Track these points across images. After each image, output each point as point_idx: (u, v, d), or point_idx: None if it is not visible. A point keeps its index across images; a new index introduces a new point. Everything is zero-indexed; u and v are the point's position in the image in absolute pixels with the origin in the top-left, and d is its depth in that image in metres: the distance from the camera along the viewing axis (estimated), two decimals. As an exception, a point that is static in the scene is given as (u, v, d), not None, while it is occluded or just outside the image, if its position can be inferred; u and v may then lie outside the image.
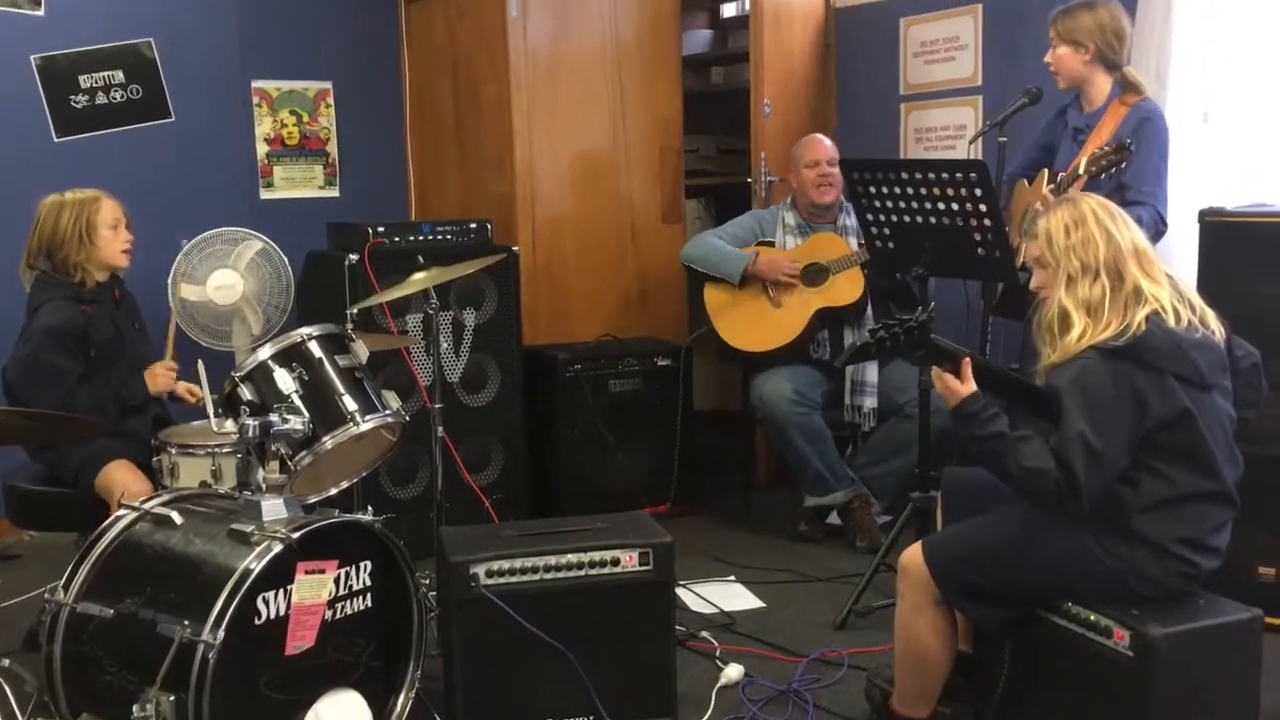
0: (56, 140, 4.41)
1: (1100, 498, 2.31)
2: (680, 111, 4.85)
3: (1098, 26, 3.44)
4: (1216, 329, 2.43)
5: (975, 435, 2.38)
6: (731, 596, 3.66)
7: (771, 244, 4.29)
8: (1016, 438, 2.35)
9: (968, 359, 2.42)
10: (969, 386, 2.40)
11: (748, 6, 4.78)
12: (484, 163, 4.70)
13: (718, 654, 3.23)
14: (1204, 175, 3.81)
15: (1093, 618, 2.36)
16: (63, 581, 2.53)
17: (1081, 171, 3.23)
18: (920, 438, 3.54)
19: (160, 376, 3.39)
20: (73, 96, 4.44)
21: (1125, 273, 2.39)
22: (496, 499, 4.07)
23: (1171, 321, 2.36)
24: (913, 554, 2.56)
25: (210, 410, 2.82)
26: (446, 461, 3.36)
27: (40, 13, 4.35)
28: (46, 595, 2.56)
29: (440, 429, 3.29)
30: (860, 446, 4.27)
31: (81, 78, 4.44)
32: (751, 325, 4.20)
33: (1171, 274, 2.47)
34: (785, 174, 4.46)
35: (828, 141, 4.31)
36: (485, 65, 4.60)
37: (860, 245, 4.05)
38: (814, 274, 4.16)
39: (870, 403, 4.13)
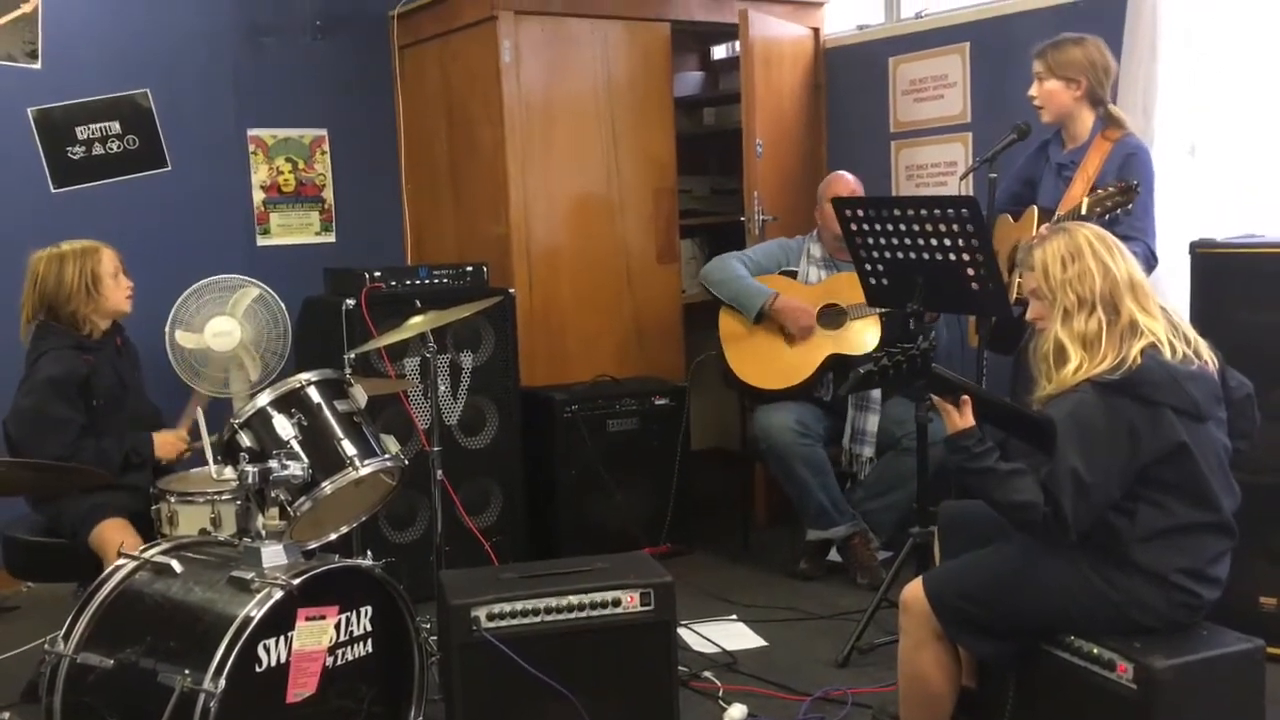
0: (54, 191, 4.44)
1: (1088, 529, 2.32)
2: (673, 152, 4.90)
3: (1089, 62, 3.48)
4: (1210, 360, 2.45)
5: (966, 468, 2.41)
6: (733, 635, 3.65)
7: (794, 273, 4.31)
8: (1006, 471, 2.36)
9: (968, 397, 2.43)
10: (967, 421, 2.42)
11: (738, 48, 4.83)
12: (479, 206, 4.74)
13: (720, 694, 3.22)
14: (1192, 207, 3.84)
15: (1095, 650, 2.36)
16: (62, 632, 2.52)
17: (1084, 211, 3.25)
18: (919, 473, 3.55)
19: (171, 446, 3.39)
20: (70, 148, 4.47)
21: (1121, 306, 2.40)
22: (496, 541, 4.06)
23: (1167, 354, 2.37)
24: (914, 589, 2.56)
25: (210, 457, 2.82)
26: (445, 504, 3.36)
27: (37, 66, 4.40)
28: (46, 646, 2.55)
29: (439, 472, 3.30)
30: (858, 481, 4.27)
31: (78, 129, 4.48)
32: (762, 360, 4.21)
33: (1165, 306, 2.49)
34: (797, 212, 4.47)
35: (852, 178, 4.34)
36: (479, 109, 4.65)
37: None
38: (831, 316, 4.17)
39: (868, 452, 4.15)
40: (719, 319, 4.32)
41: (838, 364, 4.15)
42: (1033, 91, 3.56)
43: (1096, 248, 2.45)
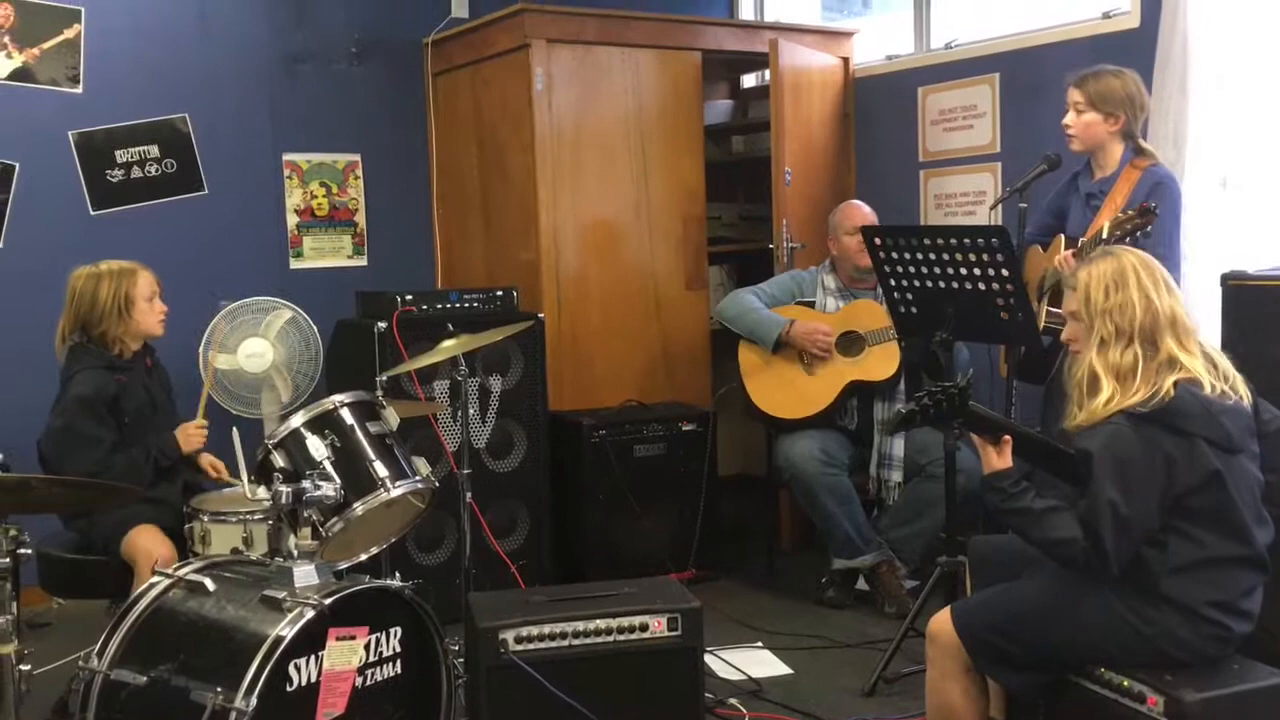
0: (93, 213, 4.51)
1: (1128, 562, 2.31)
2: (702, 180, 4.92)
3: (1127, 96, 3.48)
4: (1245, 395, 2.43)
5: (1001, 509, 2.41)
6: (759, 663, 3.64)
7: (811, 304, 4.32)
8: (1043, 510, 2.36)
9: (1008, 437, 2.43)
10: (1005, 462, 2.42)
11: (768, 77, 4.86)
12: (509, 231, 4.78)
13: (746, 721, 3.22)
14: (1223, 240, 3.83)
15: (1126, 683, 2.34)
16: (96, 648, 2.55)
17: (1105, 235, 3.26)
18: (946, 500, 3.54)
19: (193, 435, 3.42)
20: (109, 170, 4.55)
21: (1160, 342, 2.38)
22: (522, 564, 4.08)
23: (1206, 390, 2.35)
24: (941, 620, 2.55)
25: (244, 476, 2.85)
26: (473, 527, 3.38)
27: (79, 90, 4.48)
28: (80, 662, 2.58)
29: (469, 495, 3.32)
30: (884, 509, 4.26)
31: (118, 152, 4.56)
32: (782, 390, 4.22)
33: (1203, 342, 2.47)
34: (825, 240, 4.49)
35: (866, 208, 4.34)
36: (511, 136, 4.69)
37: None
38: (849, 342, 4.18)
39: (896, 476, 4.14)
40: (738, 352, 4.33)
41: (858, 391, 4.15)
42: (1068, 121, 3.55)
43: (1142, 278, 2.41)
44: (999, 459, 2.43)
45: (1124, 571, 2.34)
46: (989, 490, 2.43)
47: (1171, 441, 2.32)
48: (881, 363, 4.11)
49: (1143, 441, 2.31)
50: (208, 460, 3.51)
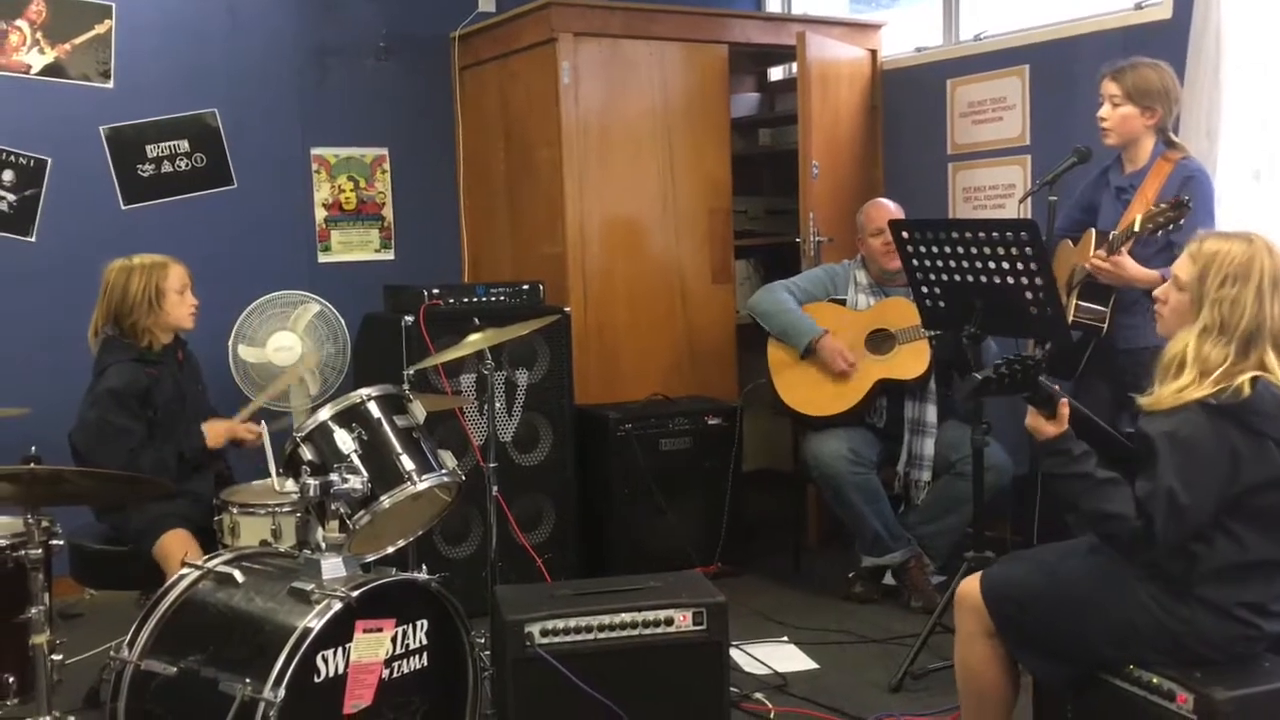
0: (124, 208, 4.55)
1: (1173, 548, 2.28)
2: (729, 173, 4.91)
3: (1164, 90, 3.44)
4: None
5: (1060, 473, 2.34)
6: (784, 657, 3.63)
7: (843, 301, 4.30)
8: (1102, 479, 2.31)
9: (1065, 401, 2.37)
10: (1061, 425, 2.35)
11: (795, 70, 4.84)
12: (536, 225, 4.78)
13: (771, 716, 3.21)
14: (1257, 231, 3.78)
15: (1155, 680, 2.32)
16: (127, 639, 2.57)
17: (1137, 229, 3.23)
18: (975, 497, 3.53)
19: (220, 433, 3.45)
20: (140, 165, 4.58)
21: (1253, 350, 2.28)
22: (548, 558, 4.08)
23: None
24: (970, 584, 2.54)
25: (272, 469, 2.87)
26: (499, 520, 3.39)
27: (109, 85, 4.52)
28: (111, 652, 2.60)
29: (495, 488, 3.33)
30: (913, 505, 4.24)
31: (148, 147, 4.59)
32: (811, 388, 4.20)
33: None
34: (852, 233, 4.46)
35: (892, 206, 4.29)
36: (537, 130, 4.70)
37: None
38: (880, 340, 4.15)
39: (925, 476, 4.11)
40: (767, 347, 4.32)
41: (888, 389, 4.13)
42: (1104, 114, 3.50)
43: (1264, 282, 2.29)
44: (1055, 425, 2.35)
45: (1157, 564, 2.30)
46: (1048, 454, 2.35)
47: (1241, 438, 2.25)
48: (911, 361, 4.08)
49: (1213, 434, 2.24)
50: (240, 426, 3.52)
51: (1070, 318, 3.41)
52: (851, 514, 4.09)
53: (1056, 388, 2.39)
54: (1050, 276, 3.27)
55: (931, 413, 4.11)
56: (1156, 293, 2.50)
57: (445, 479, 2.89)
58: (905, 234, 3.54)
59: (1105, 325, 3.47)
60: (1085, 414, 2.45)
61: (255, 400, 3.74)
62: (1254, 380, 2.25)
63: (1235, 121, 3.80)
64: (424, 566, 2.76)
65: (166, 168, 4.63)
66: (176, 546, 3.19)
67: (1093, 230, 3.52)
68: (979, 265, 3.36)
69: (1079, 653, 2.43)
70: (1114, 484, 2.31)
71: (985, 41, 4.76)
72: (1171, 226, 3.21)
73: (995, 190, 4.68)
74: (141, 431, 3.32)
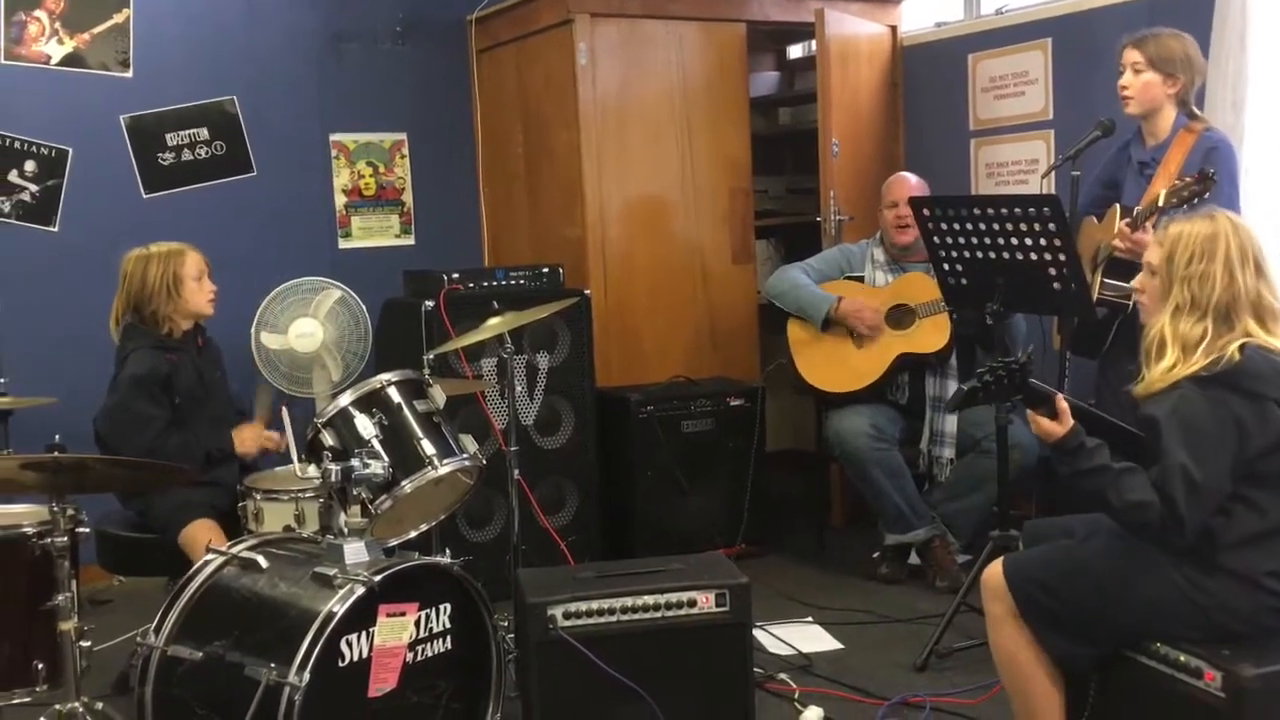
0: (145, 196, 4.57)
1: (1202, 529, 2.26)
2: (748, 153, 4.89)
3: (1187, 59, 3.39)
4: None
5: (1078, 470, 2.34)
6: (809, 638, 3.63)
7: (860, 279, 4.27)
8: (1119, 470, 2.30)
9: (1061, 396, 2.38)
10: (1066, 423, 2.35)
11: (814, 47, 4.80)
12: (555, 208, 4.77)
13: (796, 696, 3.21)
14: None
15: (1182, 658, 2.30)
16: (154, 625, 2.59)
17: (1161, 204, 3.18)
18: (999, 475, 3.50)
19: (249, 442, 3.46)
20: (160, 154, 4.60)
21: (1236, 322, 2.29)
22: (571, 540, 4.09)
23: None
24: (994, 568, 2.53)
25: (294, 455, 2.88)
26: (521, 504, 3.39)
27: (129, 74, 4.53)
28: (139, 638, 2.63)
29: (516, 471, 3.33)
30: (937, 483, 4.22)
31: (168, 135, 4.61)
32: (832, 365, 4.18)
33: None
34: (874, 212, 4.43)
35: (913, 180, 4.26)
36: (555, 112, 4.68)
37: None
38: (900, 316, 4.13)
39: (949, 453, 4.09)
40: (787, 327, 4.30)
41: (909, 364, 4.11)
42: (1125, 81, 3.45)
43: (1231, 252, 2.31)
44: (1059, 425, 2.36)
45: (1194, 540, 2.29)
46: (1062, 455, 2.35)
47: (1241, 403, 2.25)
48: (932, 335, 4.06)
49: (1211, 405, 2.25)
50: (265, 436, 3.54)
51: (1095, 295, 3.37)
52: (874, 490, 4.07)
53: (1049, 388, 2.39)
54: (1074, 252, 3.24)
55: (953, 388, 4.09)
56: (1134, 283, 2.51)
57: (466, 463, 2.89)
58: (927, 211, 3.51)
59: (1130, 302, 3.43)
60: (1087, 408, 2.45)
61: (262, 396, 3.70)
62: (1242, 346, 2.27)
63: (1262, 92, 3.74)
64: (447, 550, 2.76)
65: (187, 156, 4.64)
66: (202, 535, 3.20)
67: (1118, 206, 3.48)
68: (1001, 242, 3.33)
69: (1105, 633, 2.41)
70: (1132, 472, 2.30)
71: (1006, 15, 4.70)
72: (1196, 200, 3.16)
73: (1018, 166, 4.63)
74: (164, 417, 3.33)
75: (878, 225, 4.36)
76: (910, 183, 4.25)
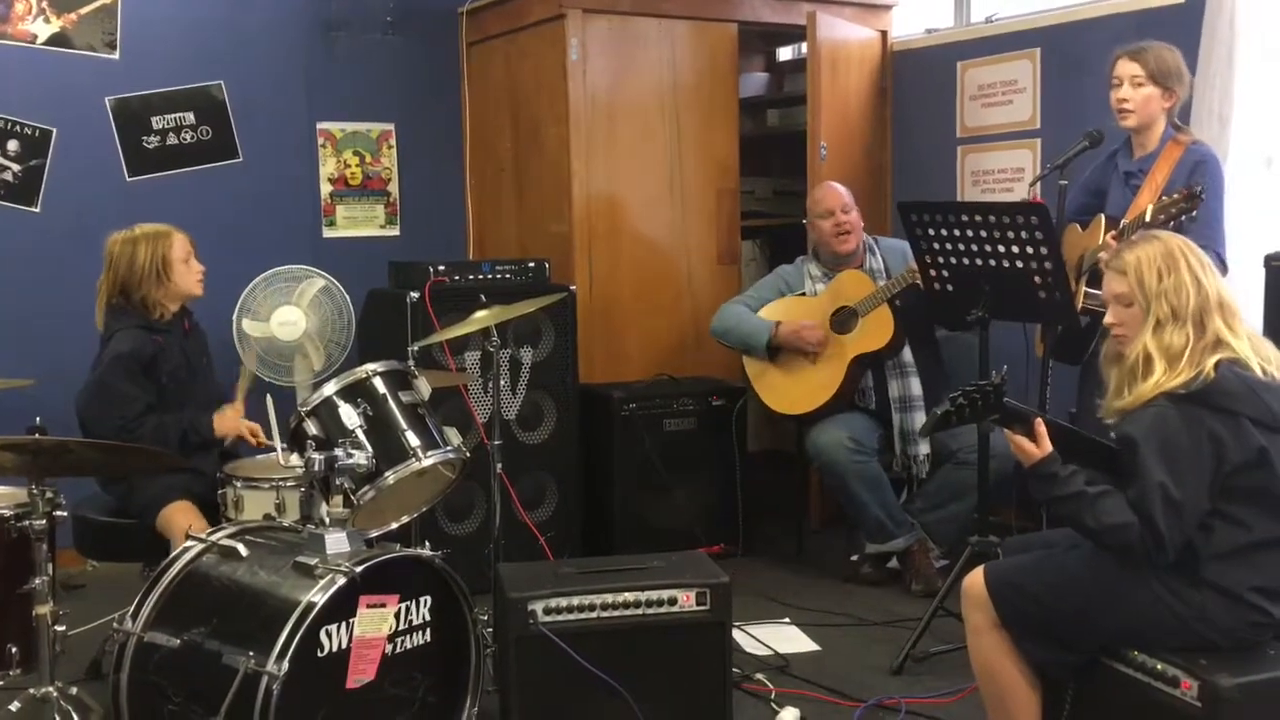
0: (129, 179, 4.54)
1: (1183, 547, 2.29)
2: (736, 153, 4.89)
3: (1180, 72, 3.41)
4: None
5: (1054, 496, 2.37)
6: (786, 639, 3.63)
7: (803, 295, 4.29)
8: (1096, 494, 2.33)
9: (1040, 420, 2.40)
10: (1044, 447, 2.39)
11: (804, 50, 4.81)
12: (542, 202, 4.76)
13: (773, 697, 3.21)
14: (1267, 220, 3.77)
15: (1159, 666, 2.32)
16: (130, 611, 2.57)
17: (1149, 218, 3.20)
18: (979, 482, 3.52)
19: (229, 421, 3.43)
20: (145, 137, 4.57)
21: (1209, 324, 2.36)
22: (551, 536, 4.08)
23: (1257, 371, 2.33)
24: (975, 576, 2.54)
25: (277, 444, 2.87)
26: (503, 498, 3.38)
27: (115, 56, 4.49)
28: (115, 624, 2.61)
29: (499, 465, 3.32)
30: (917, 491, 4.24)
31: (154, 119, 4.57)
32: (793, 386, 4.20)
33: (1247, 327, 2.44)
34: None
35: (840, 188, 4.27)
36: (545, 107, 4.67)
37: (886, 282, 4.05)
38: (843, 319, 4.14)
39: (924, 449, 4.11)
40: (743, 361, 4.31)
41: (866, 363, 4.12)
42: (1125, 94, 3.43)
43: (1191, 261, 2.40)
44: (1038, 448, 2.39)
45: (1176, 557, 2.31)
46: (1036, 480, 2.39)
47: (1216, 420, 2.29)
48: (878, 330, 4.06)
49: (1187, 422, 2.29)
50: (246, 426, 3.52)
51: (1080, 303, 3.39)
52: (854, 503, 4.08)
53: (1029, 409, 2.41)
54: (1060, 260, 3.26)
55: (915, 385, 4.12)
56: (1108, 321, 2.53)
57: (450, 455, 2.89)
58: (913, 217, 3.52)
59: (1113, 311, 3.45)
60: (1067, 426, 2.48)
61: (242, 380, 3.67)
62: (1217, 364, 2.32)
63: (1248, 107, 3.77)
64: (427, 543, 2.75)
65: (172, 140, 4.61)
66: (181, 518, 3.19)
67: (1102, 216, 3.49)
68: (987, 249, 3.34)
69: (1086, 639, 2.43)
70: (1108, 495, 2.32)
71: (996, 24, 4.72)
72: (1184, 217, 3.18)
73: (1005, 174, 4.66)
74: (145, 399, 3.29)
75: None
76: (840, 190, 4.25)
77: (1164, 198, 3.24)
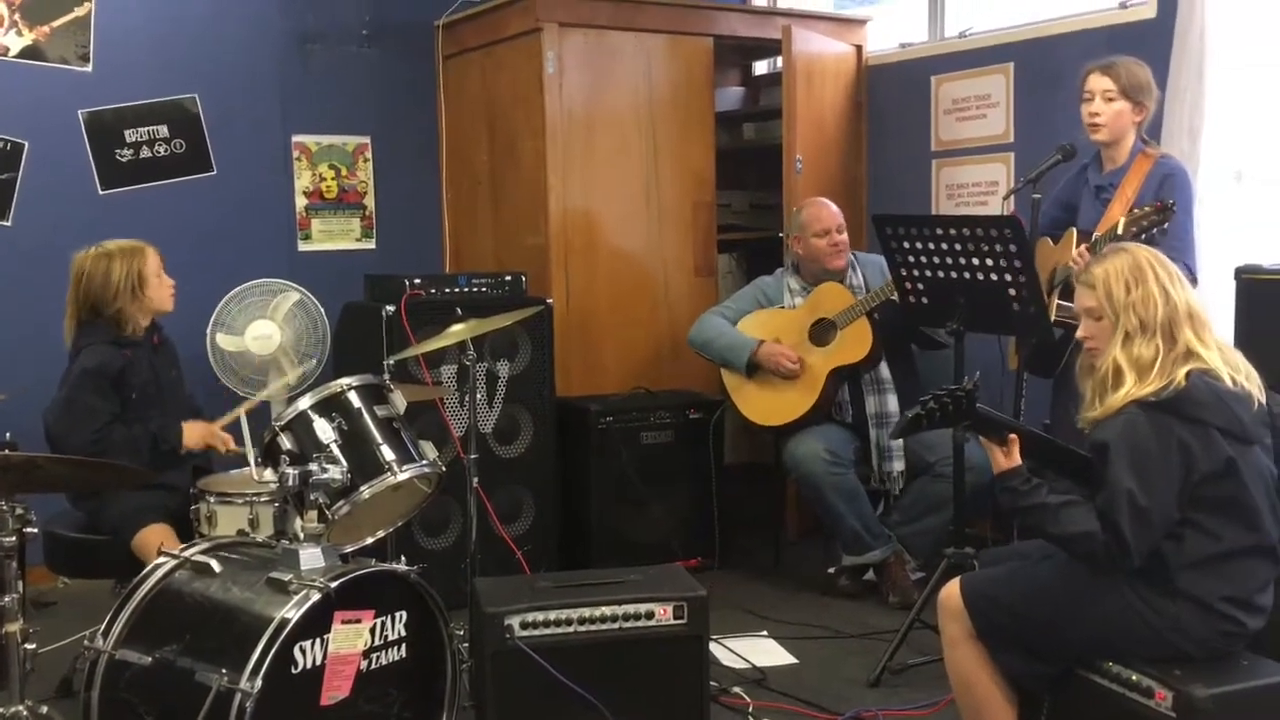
0: (101, 193, 4.50)
1: (1149, 554, 2.30)
2: (713, 167, 4.90)
3: (1151, 87, 3.46)
4: (1257, 387, 2.42)
5: (1017, 507, 2.40)
6: (763, 652, 3.63)
7: (782, 308, 4.30)
8: (1059, 504, 2.35)
9: (1014, 435, 2.42)
10: (1013, 461, 2.41)
11: (780, 64, 4.83)
12: (518, 216, 4.76)
13: (750, 710, 3.21)
14: (1237, 233, 3.81)
15: (1134, 677, 2.33)
16: (102, 628, 2.55)
17: (1120, 231, 3.23)
18: (955, 494, 3.53)
19: (198, 435, 3.39)
20: (118, 150, 4.54)
21: (1179, 335, 2.38)
22: (528, 550, 4.07)
23: (1227, 381, 2.36)
24: (951, 588, 2.56)
25: (251, 459, 2.85)
26: (479, 512, 3.37)
27: (89, 69, 4.46)
28: (86, 641, 2.57)
29: (475, 479, 3.31)
30: (893, 504, 4.24)
31: (127, 132, 4.55)
32: (770, 399, 4.20)
33: (1218, 338, 2.46)
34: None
35: (833, 206, 4.29)
36: (521, 120, 4.67)
37: (865, 295, 4.07)
38: (822, 331, 4.16)
39: (898, 466, 4.12)
40: (720, 374, 4.31)
41: (844, 376, 4.13)
42: (1097, 109, 3.47)
43: (1159, 272, 2.43)
44: (1007, 459, 2.43)
45: (1142, 565, 2.32)
46: (1002, 491, 2.43)
47: (1185, 429, 2.31)
48: (856, 343, 4.08)
49: (1157, 430, 2.31)
50: (218, 436, 3.49)
51: (1052, 316, 3.41)
52: (831, 514, 4.09)
53: (1004, 418, 2.43)
54: (1034, 273, 3.28)
55: (892, 402, 4.14)
56: (1080, 334, 2.56)
57: (426, 470, 2.88)
58: (889, 230, 3.54)
59: (1086, 323, 3.47)
60: (1041, 435, 2.50)
61: (238, 408, 3.64)
62: (1188, 374, 2.34)
63: (1218, 121, 3.81)
64: (403, 558, 2.74)
65: (145, 153, 4.58)
66: (156, 541, 3.14)
67: (1074, 230, 3.52)
68: (962, 262, 3.36)
69: (1061, 651, 2.44)
70: (1071, 505, 2.35)
71: (970, 39, 4.76)
72: (1155, 230, 3.21)
73: (979, 187, 4.69)
74: (111, 411, 3.27)
75: (793, 253, 4.35)
76: (832, 209, 4.27)
77: (1135, 210, 3.27)
